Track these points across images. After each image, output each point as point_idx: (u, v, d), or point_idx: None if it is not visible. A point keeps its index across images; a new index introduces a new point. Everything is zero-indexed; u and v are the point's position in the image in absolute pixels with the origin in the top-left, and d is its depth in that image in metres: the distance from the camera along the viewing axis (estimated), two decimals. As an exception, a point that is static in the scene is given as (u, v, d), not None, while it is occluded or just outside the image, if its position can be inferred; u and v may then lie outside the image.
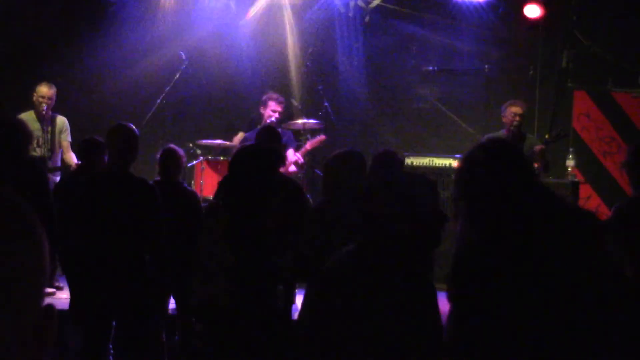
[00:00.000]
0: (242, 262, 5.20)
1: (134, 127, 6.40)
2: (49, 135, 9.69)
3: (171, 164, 7.42)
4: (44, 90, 9.65)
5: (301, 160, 10.19)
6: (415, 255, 3.38)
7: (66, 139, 9.90)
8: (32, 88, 9.80)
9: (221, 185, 6.02)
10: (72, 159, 9.66)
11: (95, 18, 12.23)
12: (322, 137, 10.41)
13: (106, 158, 6.74)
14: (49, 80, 9.89)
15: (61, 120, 9.91)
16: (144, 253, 6.25)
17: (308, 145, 10.32)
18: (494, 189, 3.18)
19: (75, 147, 9.70)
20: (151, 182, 7.27)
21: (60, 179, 8.67)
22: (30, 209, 1.16)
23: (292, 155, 10.08)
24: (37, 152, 9.49)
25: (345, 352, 3.29)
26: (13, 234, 1.10)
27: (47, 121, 9.66)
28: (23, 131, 6.49)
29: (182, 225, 6.98)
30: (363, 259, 3.34)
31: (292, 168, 10.07)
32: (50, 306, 1.15)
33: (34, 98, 9.66)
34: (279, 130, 9.92)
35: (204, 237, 5.44)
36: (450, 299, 3.20)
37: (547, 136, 10.10)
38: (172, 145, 7.67)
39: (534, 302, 2.98)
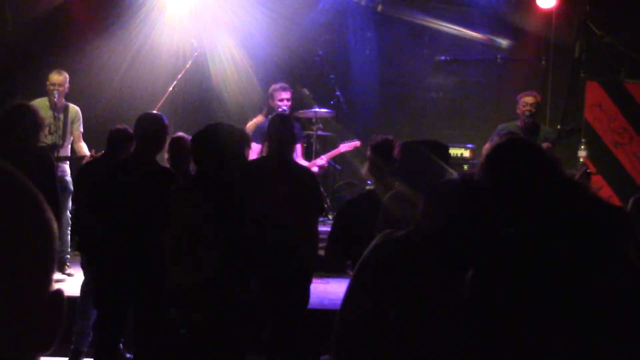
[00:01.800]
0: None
1: (162, 116, 6.45)
2: (61, 123, 9.70)
3: (179, 153, 7.38)
4: (55, 77, 9.65)
5: (325, 164, 10.15)
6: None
7: (78, 128, 9.89)
8: (46, 77, 9.82)
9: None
10: (83, 148, 9.67)
11: (109, 6, 12.25)
12: (357, 142, 10.38)
13: (132, 148, 6.74)
14: (62, 68, 9.92)
15: (74, 110, 9.90)
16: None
17: (342, 148, 10.31)
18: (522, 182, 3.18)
19: (91, 135, 9.76)
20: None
21: (84, 165, 8.63)
22: (40, 195, 1.17)
23: (319, 159, 10.06)
24: (49, 139, 9.50)
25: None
26: (22, 218, 1.11)
27: (59, 109, 9.66)
28: (33, 118, 6.52)
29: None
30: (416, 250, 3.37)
31: (315, 169, 10.05)
32: (59, 291, 1.16)
33: (47, 86, 9.68)
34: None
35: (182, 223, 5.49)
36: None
37: (558, 127, 10.05)
38: (181, 133, 7.63)
39: (560, 297, 2.98)
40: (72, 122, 9.81)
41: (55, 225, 1.16)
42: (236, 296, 5.41)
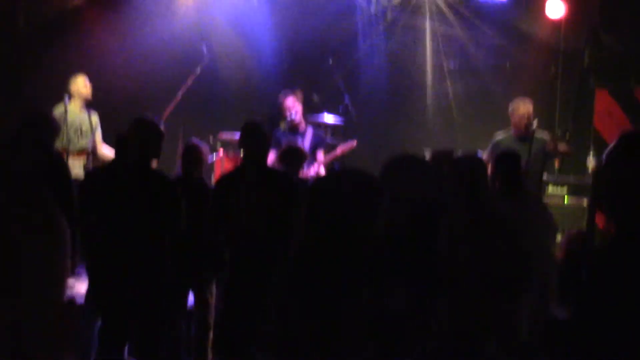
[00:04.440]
0: None
1: (156, 120, 6.37)
2: (89, 127, 9.93)
3: (192, 160, 7.38)
4: (84, 80, 9.90)
5: (322, 173, 10.11)
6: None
7: (99, 133, 10.08)
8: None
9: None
10: (108, 152, 9.82)
11: (119, 9, 12.27)
12: (353, 142, 10.36)
13: None
14: (75, 70, 10.08)
15: (95, 115, 10.09)
16: (162, 248, 6.25)
17: (339, 151, 10.29)
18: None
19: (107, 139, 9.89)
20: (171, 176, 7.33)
21: (90, 171, 8.69)
22: (56, 207, 1.18)
23: (316, 165, 10.04)
24: (82, 141, 9.71)
25: None
26: (37, 231, 1.13)
27: (89, 111, 9.93)
28: (51, 125, 6.56)
29: (200, 221, 7.00)
30: None
31: (313, 172, 10.02)
32: (72, 301, 1.18)
33: (74, 89, 9.85)
34: (310, 130, 9.95)
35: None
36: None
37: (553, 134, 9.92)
38: (196, 140, 7.63)
39: None
40: (95, 128, 9.99)
41: (69, 239, 1.17)
42: None
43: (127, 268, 6.00)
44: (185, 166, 7.39)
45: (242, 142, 6.64)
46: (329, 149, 10.53)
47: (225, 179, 6.75)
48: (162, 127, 6.32)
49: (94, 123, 10.02)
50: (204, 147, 7.54)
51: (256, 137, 6.48)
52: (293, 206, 6.29)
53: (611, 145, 3.19)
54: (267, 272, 6.05)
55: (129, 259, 6.00)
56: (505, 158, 6.92)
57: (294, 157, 7.34)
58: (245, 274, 6.27)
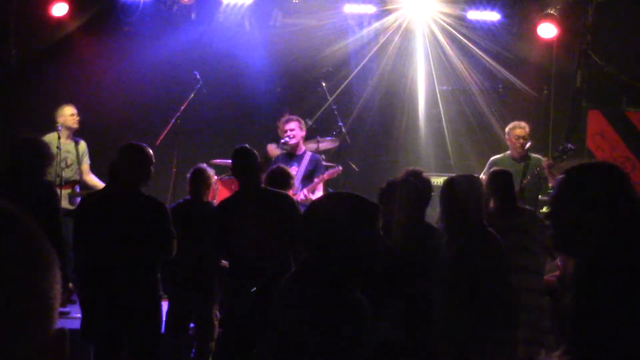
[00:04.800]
0: None
1: (146, 146, 6.35)
2: (75, 157, 9.87)
3: (200, 184, 7.49)
4: (71, 109, 9.87)
5: (311, 197, 10.12)
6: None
7: (87, 162, 10.05)
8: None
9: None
10: (95, 180, 9.81)
11: (111, 37, 12.31)
12: (339, 168, 10.38)
13: None
14: (66, 99, 10.07)
15: (83, 144, 10.07)
16: (155, 271, 6.25)
17: (326, 175, 10.32)
18: None
19: (93, 167, 9.86)
20: (180, 200, 7.33)
21: (84, 198, 8.71)
22: (43, 234, 1.17)
23: (304, 192, 10.06)
24: (67, 172, 9.67)
25: None
26: (25, 258, 1.11)
27: (76, 140, 9.89)
28: (44, 153, 6.56)
29: (208, 244, 7.02)
30: None
31: (301, 197, 10.03)
32: (62, 329, 1.16)
33: (61, 120, 9.81)
34: (308, 155, 9.96)
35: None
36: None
37: (548, 156, 9.96)
38: (203, 165, 7.74)
39: None
40: (83, 155, 9.96)
41: (57, 264, 1.16)
42: None
43: (120, 294, 6.00)
44: (193, 190, 7.47)
45: (235, 167, 6.66)
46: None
47: (225, 203, 6.76)
48: (150, 152, 6.30)
49: (80, 152, 9.99)
50: (210, 171, 7.65)
51: (249, 160, 6.50)
52: (295, 224, 6.32)
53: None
54: (269, 293, 6.11)
55: (120, 283, 6.01)
56: (497, 175, 7.03)
57: (279, 180, 7.35)
58: (247, 299, 6.25)
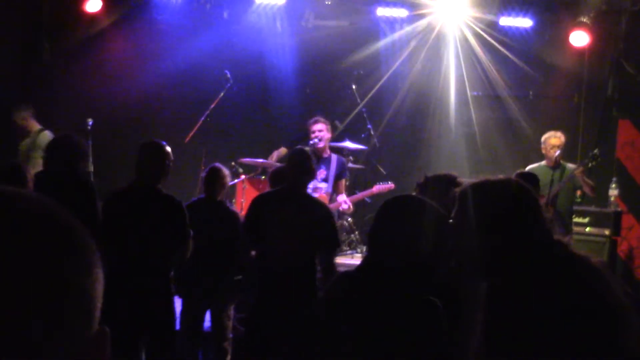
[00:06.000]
0: None
1: (165, 144, 6.39)
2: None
3: (214, 183, 7.46)
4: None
5: (347, 209, 10.17)
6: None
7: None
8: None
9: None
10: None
11: (143, 33, 12.37)
12: (391, 185, 10.41)
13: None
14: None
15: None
16: (168, 269, 6.29)
17: (375, 190, 10.35)
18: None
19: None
20: (194, 199, 7.35)
21: (111, 196, 8.81)
22: (85, 231, 1.18)
23: (343, 199, 10.10)
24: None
25: None
26: (68, 256, 1.12)
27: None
28: (79, 148, 6.61)
29: (222, 244, 7.05)
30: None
31: (344, 206, 10.08)
32: (104, 328, 1.17)
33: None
34: (335, 158, 9.99)
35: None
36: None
37: (579, 165, 9.96)
38: (217, 164, 7.70)
39: None
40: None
41: (99, 262, 1.17)
42: None
43: (134, 293, 6.03)
44: (207, 189, 7.47)
45: (288, 166, 6.70)
46: (353, 177, 10.60)
47: (263, 197, 6.77)
48: (168, 149, 6.34)
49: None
50: (225, 170, 7.61)
51: (301, 165, 6.53)
52: (326, 231, 6.38)
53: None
54: (297, 295, 6.12)
55: (135, 280, 6.05)
56: (524, 178, 7.01)
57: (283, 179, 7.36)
58: (276, 296, 6.27)
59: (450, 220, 3.17)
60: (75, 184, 6.29)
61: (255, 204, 6.64)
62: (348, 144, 10.94)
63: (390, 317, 3.29)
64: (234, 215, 7.56)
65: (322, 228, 6.34)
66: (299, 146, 6.85)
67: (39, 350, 1.05)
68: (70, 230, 1.15)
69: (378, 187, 10.34)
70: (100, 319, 1.17)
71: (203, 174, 7.68)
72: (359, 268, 3.60)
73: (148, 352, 6.40)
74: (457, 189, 3.19)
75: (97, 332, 1.15)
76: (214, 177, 7.49)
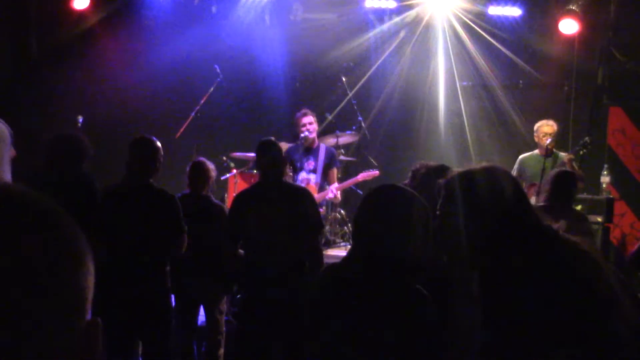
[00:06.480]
0: None
1: (155, 139, 6.37)
2: None
3: (198, 177, 7.44)
4: None
5: (333, 196, 10.15)
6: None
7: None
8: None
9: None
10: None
11: (131, 30, 12.35)
12: (376, 172, 10.39)
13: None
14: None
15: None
16: (164, 264, 6.28)
17: (360, 177, 10.33)
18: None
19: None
20: (178, 194, 7.35)
21: (106, 192, 8.79)
22: (77, 227, 1.17)
23: (333, 189, 10.08)
24: None
25: None
26: (60, 252, 1.12)
27: None
28: (81, 147, 6.58)
29: (207, 238, 7.04)
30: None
31: (330, 195, 10.07)
32: (95, 319, 1.17)
33: None
34: (323, 147, 9.98)
35: None
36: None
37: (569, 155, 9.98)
38: (202, 158, 7.68)
39: None
40: None
41: (90, 256, 1.17)
42: None
43: (130, 288, 6.03)
44: (192, 183, 7.45)
45: (259, 159, 6.64)
46: (344, 169, 10.58)
47: (242, 195, 6.74)
48: (158, 145, 6.32)
49: None
50: (210, 164, 7.59)
51: (272, 154, 6.49)
52: (311, 218, 6.36)
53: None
54: (286, 289, 6.11)
55: (130, 276, 6.05)
56: (563, 175, 7.18)
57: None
58: (265, 290, 6.26)
59: (437, 212, 3.15)
60: (77, 184, 6.28)
61: (235, 204, 6.63)
62: (338, 136, 10.92)
63: (379, 308, 3.29)
64: (219, 208, 7.52)
65: (304, 213, 6.31)
66: (265, 138, 6.77)
67: (29, 340, 1.04)
68: (59, 221, 1.14)
69: (363, 175, 10.33)
70: (97, 314, 1.16)
71: (187, 169, 7.65)
72: (345, 259, 3.58)
73: (144, 345, 6.41)
74: (441, 180, 3.16)
75: (89, 323, 1.15)
76: (198, 171, 7.47)
